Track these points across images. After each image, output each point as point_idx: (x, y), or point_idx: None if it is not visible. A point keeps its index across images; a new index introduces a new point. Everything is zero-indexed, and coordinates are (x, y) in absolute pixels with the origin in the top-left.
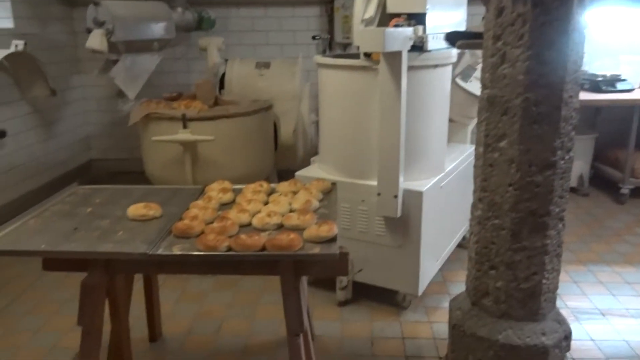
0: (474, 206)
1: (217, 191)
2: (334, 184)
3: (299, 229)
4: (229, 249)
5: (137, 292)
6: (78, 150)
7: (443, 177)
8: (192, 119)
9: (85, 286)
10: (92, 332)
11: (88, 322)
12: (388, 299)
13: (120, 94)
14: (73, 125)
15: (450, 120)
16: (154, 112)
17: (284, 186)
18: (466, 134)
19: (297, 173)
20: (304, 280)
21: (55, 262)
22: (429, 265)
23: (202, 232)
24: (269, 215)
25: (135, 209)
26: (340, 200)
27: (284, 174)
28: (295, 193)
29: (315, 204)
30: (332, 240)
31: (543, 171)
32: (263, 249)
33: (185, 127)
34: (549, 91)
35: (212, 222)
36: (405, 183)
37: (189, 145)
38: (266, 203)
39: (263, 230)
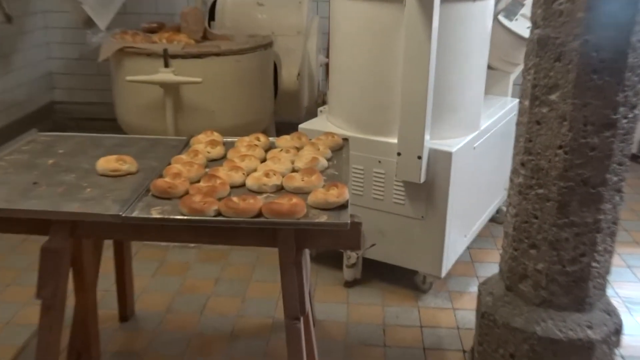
0: (514, 172)
1: (204, 144)
2: (345, 139)
3: (302, 193)
4: (218, 213)
5: (106, 261)
6: (38, 90)
7: (477, 136)
8: (175, 56)
9: (45, 252)
10: (54, 306)
11: (49, 294)
12: (405, 281)
13: (89, 23)
14: (32, 60)
15: (489, 67)
16: (130, 46)
17: (285, 140)
18: (508, 85)
19: (302, 126)
20: (307, 254)
21: (10, 223)
22: (456, 242)
23: (187, 193)
24: (266, 174)
25: (106, 162)
26: (352, 160)
27: (285, 127)
28: (298, 149)
29: (323, 162)
30: (342, 207)
31: (601, 131)
32: (259, 215)
33: (166, 65)
34: (614, 33)
35: (198, 181)
36: (431, 142)
37: (171, 88)
38: (264, 160)
39: (259, 192)
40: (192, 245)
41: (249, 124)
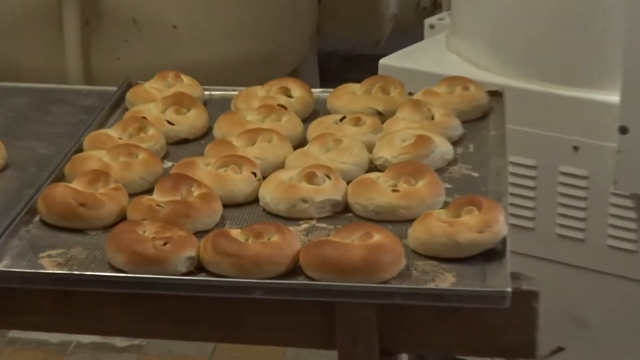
0: None
1: (160, 103)
2: (496, 94)
3: (393, 221)
4: (196, 266)
5: None
6: None
7: None
8: None
9: None
10: None
11: None
12: None
13: None
14: None
15: None
16: None
17: (348, 97)
18: None
19: (386, 61)
20: None
21: None
22: None
23: (123, 219)
24: (309, 177)
25: None
26: (512, 144)
27: (345, 63)
28: (381, 116)
29: (444, 149)
30: (491, 254)
31: None
32: (293, 270)
33: None
34: None
35: (149, 192)
36: None
37: None
38: (300, 144)
39: (294, 219)
40: (127, 342)
41: (260, 56)
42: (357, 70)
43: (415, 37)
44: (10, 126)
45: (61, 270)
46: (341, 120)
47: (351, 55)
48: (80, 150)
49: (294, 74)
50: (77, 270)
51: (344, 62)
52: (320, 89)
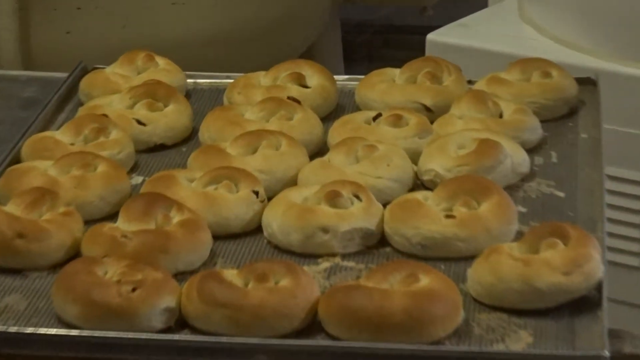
0: None
1: (126, 96)
2: (590, 82)
3: (443, 258)
4: (178, 320)
5: None
6: None
7: None
8: None
9: None
10: None
11: None
12: None
13: None
14: None
15: None
16: None
17: (384, 86)
18: None
19: (434, 36)
20: None
21: None
22: None
23: (76, 255)
24: (330, 196)
25: None
26: (610, 151)
27: (379, 39)
28: (428, 112)
29: (518, 156)
30: (581, 303)
31: None
32: (310, 326)
33: None
34: None
35: (113, 217)
36: None
37: None
38: (319, 152)
39: (311, 255)
40: None
41: (262, 29)
42: (396, 48)
43: (475, 2)
44: None
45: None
46: (375, 118)
47: (387, 27)
48: (17, 160)
49: (309, 53)
50: (13, 326)
51: (377, 37)
52: (346, 76)
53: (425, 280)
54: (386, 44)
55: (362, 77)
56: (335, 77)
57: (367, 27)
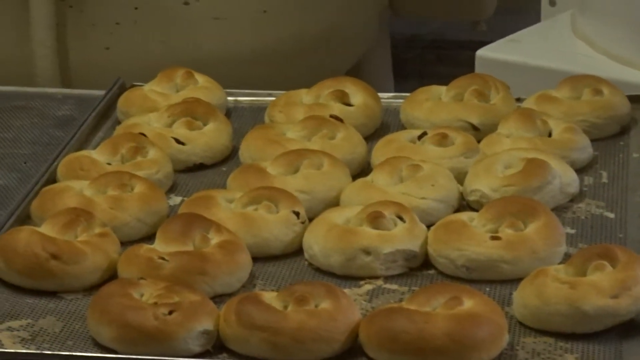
0: None
1: (165, 114)
2: None
3: (493, 275)
4: (216, 344)
5: None
6: None
7: None
8: None
9: None
10: None
11: None
12: None
13: None
14: None
15: None
16: None
17: (429, 104)
18: None
19: (485, 52)
20: None
21: None
22: None
23: (110, 277)
24: (372, 218)
25: None
26: None
27: (427, 52)
28: (477, 130)
29: (567, 176)
30: (634, 329)
31: None
32: (351, 347)
33: None
34: None
35: (149, 238)
36: None
37: None
38: (361, 172)
39: (354, 277)
40: None
41: (306, 45)
42: (448, 63)
43: (528, 17)
44: None
45: (27, 348)
46: (420, 137)
47: (439, 42)
48: (53, 180)
49: (356, 70)
50: (48, 349)
51: (428, 52)
52: (391, 94)
53: (469, 303)
54: (438, 60)
55: (408, 94)
56: (380, 94)
57: (418, 42)
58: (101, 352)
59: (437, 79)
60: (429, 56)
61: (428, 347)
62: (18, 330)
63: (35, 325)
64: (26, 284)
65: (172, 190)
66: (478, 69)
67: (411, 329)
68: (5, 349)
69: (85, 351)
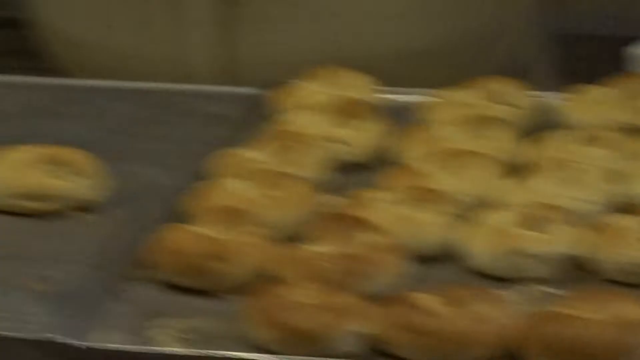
0: None
1: (322, 112)
2: None
3: None
4: (364, 341)
5: None
6: None
7: None
8: None
9: None
10: None
11: None
12: None
13: None
14: None
15: None
16: None
17: (585, 105)
18: None
19: None
20: None
21: None
22: None
23: (264, 275)
24: (529, 220)
25: (15, 172)
26: None
27: (599, 50)
28: None
29: None
30: None
31: None
32: (505, 351)
33: None
34: None
35: (298, 240)
36: None
37: None
38: (518, 173)
39: (510, 280)
40: None
41: (463, 42)
42: (621, 61)
43: None
44: (109, 143)
45: (190, 350)
46: (580, 138)
47: (613, 38)
48: (205, 178)
49: (519, 68)
50: (213, 348)
51: (602, 49)
52: (551, 93)
53: (637, 311)
54: (613, 58)
55: (569, 94)
56: (541, 94)
57: (589, 38)
58: (257, 354)
59: (602, 77)
60: (603, 54)
61: (590, 356)
62: (176, 330)
63: (189, 324)
64: (182, 282)
65: (327, 189)
66: None
67: (583, 335)
68: (167, 348)
69: (248, 352)
